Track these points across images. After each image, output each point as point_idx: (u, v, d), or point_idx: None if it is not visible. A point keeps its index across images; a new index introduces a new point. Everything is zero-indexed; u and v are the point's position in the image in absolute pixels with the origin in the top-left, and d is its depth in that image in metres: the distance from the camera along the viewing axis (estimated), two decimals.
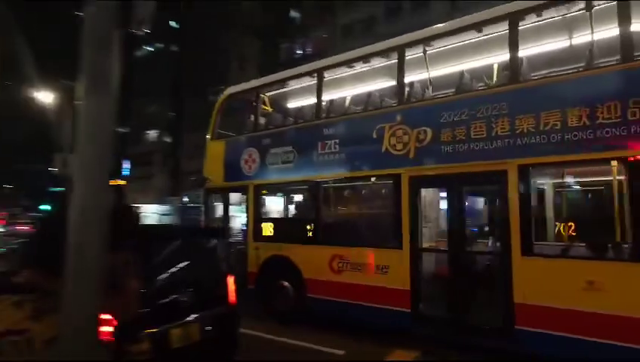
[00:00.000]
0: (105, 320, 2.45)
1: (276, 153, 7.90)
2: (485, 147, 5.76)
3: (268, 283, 7.75)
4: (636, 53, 5.09)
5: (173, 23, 44.00)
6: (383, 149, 6.62)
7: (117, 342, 1.18)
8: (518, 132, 5.52)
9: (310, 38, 33.97)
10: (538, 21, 5.84)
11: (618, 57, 5.13)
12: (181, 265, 4.51)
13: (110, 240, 1.15)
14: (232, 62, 38.34)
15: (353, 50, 7.65)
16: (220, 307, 4.75)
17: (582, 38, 6.00)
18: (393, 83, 7.12)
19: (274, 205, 8.91)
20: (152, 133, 48.62)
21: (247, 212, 8.34)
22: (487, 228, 7.10)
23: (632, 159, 4.79)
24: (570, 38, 6.16)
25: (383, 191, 7.17)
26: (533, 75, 6.17)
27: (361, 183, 7.51)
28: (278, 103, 9.27)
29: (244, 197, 8.44)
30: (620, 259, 5.11)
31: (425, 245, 6.47)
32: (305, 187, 7.85)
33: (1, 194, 48.84)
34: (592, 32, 5.61)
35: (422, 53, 6.82)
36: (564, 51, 6.25)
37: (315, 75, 7.72)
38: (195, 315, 4.26)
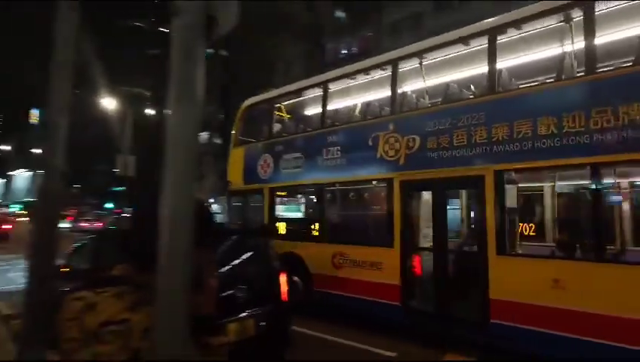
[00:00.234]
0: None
1: (288, 159, 8.67)
2: (466, 154, 6.21)
3: None
4: (599, 65, 5.38)
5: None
6: (378, 155, 7.20)
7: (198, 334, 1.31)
8: (494, 140, 5.93)
9: (356, 38, 33.86)
10: (515, 35, 6.19)
11: (583, 70, 5.44)
12: (236, 261, 4.69)
13: (194, 238, 1.31)
14: (277, 63, 39.17)
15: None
16: (273, 304, 4.83)
17: (550, 52, 6.31)
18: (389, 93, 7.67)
19: (286, 206, 9.67)
20: (204, 135, 50.91)
21: (263, 212, 9.16)
22: (468, 229, 7.50)
23: (594, 165, 5.11)
24: (535, 53, 6.48)
25: (378, 194, 7.74)
26: (510, 86, 6.50)
27: (358, 187, 8.15)
28: (294, 112, 10.05)
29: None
30: (581, 259, 5.43)
31: (414, 244, 6.98)
32: (312, 190, 8.56)
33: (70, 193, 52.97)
34: (562, 46, 5.92)
35: (415, 66, 7.33)
36: (538, 63, 6.57)
37: (321, 86, 8.41)
38: (250, 311, 4.39)
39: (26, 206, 70.71)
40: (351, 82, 8.25)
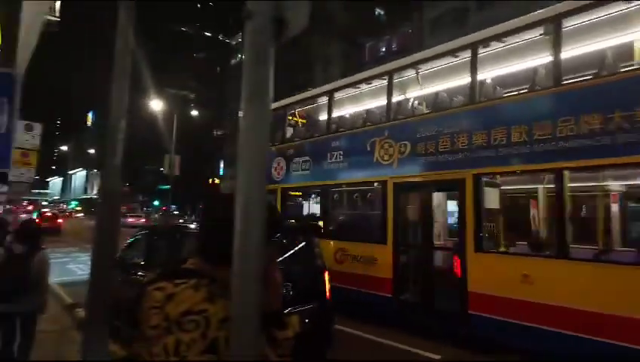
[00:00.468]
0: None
1: (297, 162, 9.44)
2: (449, 158, 6.74)
3: None
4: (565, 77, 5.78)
5: None
6: (374, 159, 7.83)
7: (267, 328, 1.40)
8: (474, 146, 6.42)
9: (395, 35, 33.45)
10: (498, 48, 6.65)
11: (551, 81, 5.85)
12: (281, 259, 4.60)
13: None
14: (315, 63, 39.45)
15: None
16: (317, 302, 4.83)
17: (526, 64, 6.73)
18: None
19: (297, 205, 10.44)
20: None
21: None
22: (451, 228, 7.96)
23: (559, 170, 5.53)
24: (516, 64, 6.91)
25: (374, 195, 8.35)
26: (493, 96, 6.94)
27: (358, 188, 8.81)
28: (305, 118, 10.82)
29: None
30: (545, 256, 5.84)
31: (404, 241, 7.56)
32: (318, 190, 9.29)
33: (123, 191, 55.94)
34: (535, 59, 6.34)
35: (410, 76, 7.91)
36: (516, 74, 7.00)
37: (327, 94, 9.12)
38: (294, 307, 4.36)
39: (81, 202, 75.50)
40: (354, 91, 8.90)
